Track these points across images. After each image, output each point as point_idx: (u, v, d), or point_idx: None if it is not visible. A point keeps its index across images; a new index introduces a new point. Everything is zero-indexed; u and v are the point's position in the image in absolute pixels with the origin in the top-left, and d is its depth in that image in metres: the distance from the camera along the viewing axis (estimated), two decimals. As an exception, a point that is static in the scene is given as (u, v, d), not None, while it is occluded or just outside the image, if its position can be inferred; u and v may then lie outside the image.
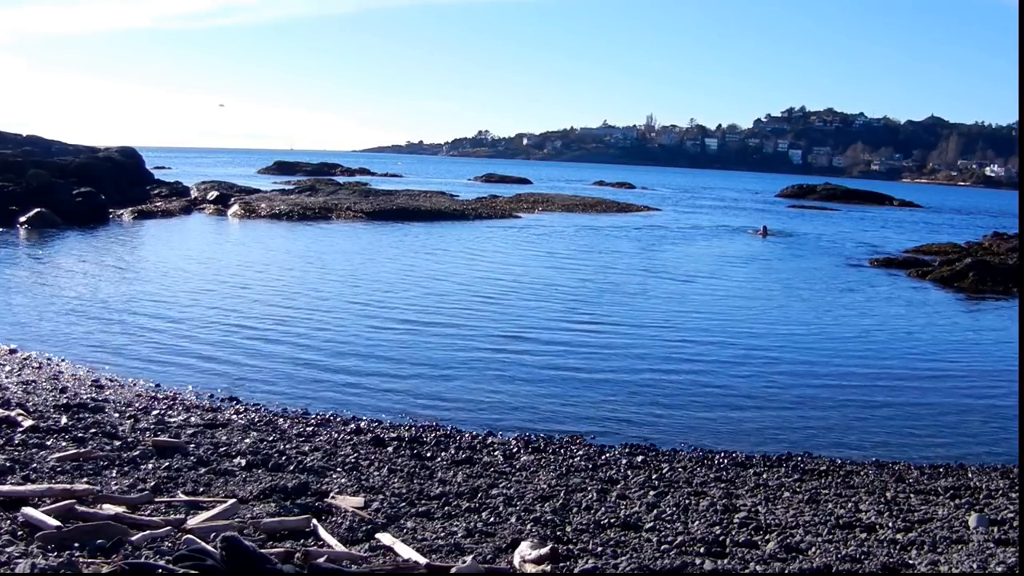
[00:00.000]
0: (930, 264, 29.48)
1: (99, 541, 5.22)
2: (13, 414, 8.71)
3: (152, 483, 7.14)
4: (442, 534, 6.52)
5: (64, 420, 8.90)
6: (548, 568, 5.72)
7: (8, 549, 4.98)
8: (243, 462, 8.07)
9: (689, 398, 12.03)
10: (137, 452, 7.99)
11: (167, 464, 7.74)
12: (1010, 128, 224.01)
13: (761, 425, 11.01)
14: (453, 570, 5.42)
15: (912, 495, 8.48)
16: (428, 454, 9.08)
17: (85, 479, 6.98)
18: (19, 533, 5.43)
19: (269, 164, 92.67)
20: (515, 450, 9.48)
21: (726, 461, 9.44)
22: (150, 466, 7.65)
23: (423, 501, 7.42)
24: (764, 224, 42.13)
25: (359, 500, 7.17)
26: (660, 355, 14.49)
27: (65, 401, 9.80)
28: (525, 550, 5.97)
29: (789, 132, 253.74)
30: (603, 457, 9.37)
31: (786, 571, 6.08)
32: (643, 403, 11.70)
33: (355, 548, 6.01)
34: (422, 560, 5.65)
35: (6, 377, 10.87)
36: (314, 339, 14.61)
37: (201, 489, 7.18)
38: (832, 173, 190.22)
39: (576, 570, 5.75)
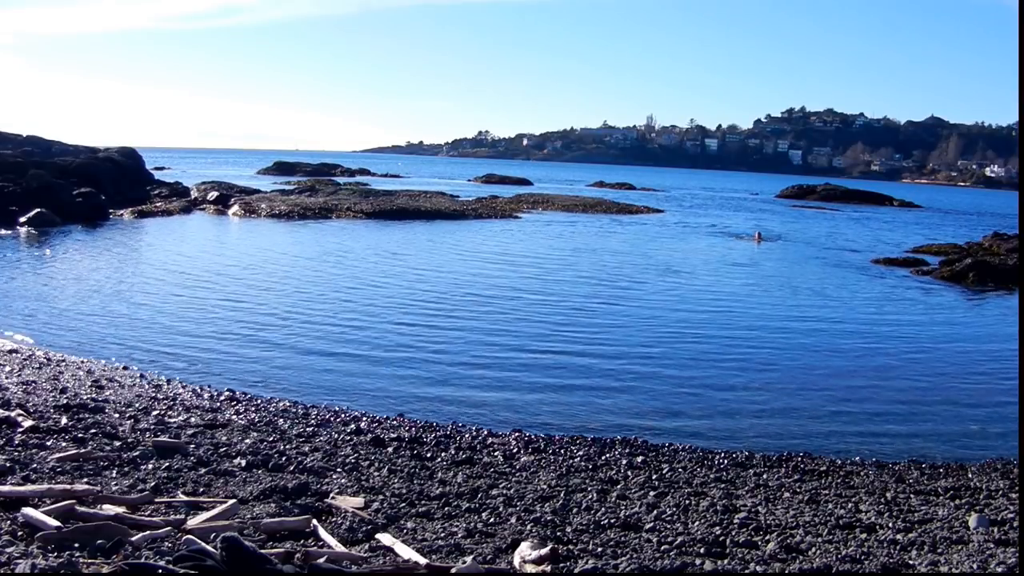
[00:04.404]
0: (930, 264, 29.50)
1: (99, 541, 5.21)
2: (13, 414, 8.71)
3: (152, 483, 7.13)
4: (442, 534, 6.51)
5: (64, 420, 8.89)
6: (548, 568, 5.72)
7: (8, 549, 4.97)
8: (243, 462, 8.06)
9: (689, 398, 12.03)
10: (137, 452, 7.98)
11: (167, 464, 7.73)
12: (1010, 128, 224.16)
13: (761, 425, 11.01)
14: (453, 570, 5.41)
15: (912, 495, 8.47)
16: (428, 454, 9.08)
17: (85, 479, 6.98)
18: (19, 533, 5.42)
19: (269, 165, 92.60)
20: (515, 450, 9.48)
21: (726, 461, 9.44)
22: (150, 466, 7.65)
23: (423, 501, 7.41)
24: (758, 231, 41.33)
25: (359, 500, 7.16)
26: (660, 356, 14.49)
27: (65, 401, 9.79)
28: (525, 550, 5.97)
29: (789, 132, 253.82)
30: (603, 457, 9.37)
31: (786, 571, 6.07)
32: (643, 403, 11.70)
33: (355, 548, 6.00)
34: (422, 560, 5.65)
35: (6, 377, 10.87)
36: (314, 339, 14.61)
37: (201, 489, 7.17)
38: (832, 173, 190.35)
39: (576, 570, 5.75)
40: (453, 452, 9.24)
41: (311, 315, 16.75)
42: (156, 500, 6.67)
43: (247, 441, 8.90)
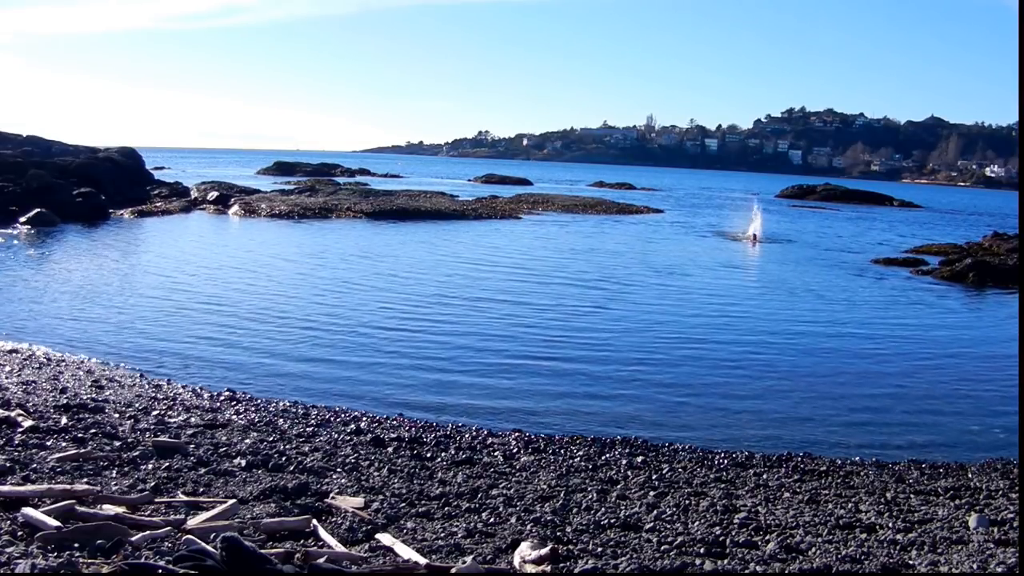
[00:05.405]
0: (930, 264, 29.50)
1: (99, 541, 5.21)
2: (13, 414, 8.70)
3: (152, 483, 7.13)
4: (442, 534, 6.51)
5: (64, 420, 8.89)
6: (548, 568, 5.71)
7: (8, 549, 4.97)
8: (243, 462, 8.06)
9: (689, 399, 12.02)
10: (137, 452, 7.98)
11: (167, 464, 7.73)
12: (1010, 128, 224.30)
13: (761, 425, 11.00)
14: (453, 570, 5.41)
15: (912, 495, 8.47)
16: (428, 454, 9.08)
17: (85, 479, 6.97)
18: (19, 533, 5.42)
19: (269, 165, 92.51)
20: (515, 450, 9.47)
21: (726, 461, 9.43)
22: (150, 466, 7.65)
23: (423, 501, 7.41)
24: (754, 232, 40.77)
25: (359, 500, 7.16)
26: (659, 356, 14.49)
27: (65, 401, 9.79)
28: (525, 550, 5.96)
29: (789, 132, 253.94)
30: (603, 457, 9.36)
31: (786, 571, 6.07)
32: (643, 404, 11.69)
33: (355, 548, 6.00)
34: (422, 560, 5.65)
35: (6, 377, 10.86)
36: (315, 339, 14.61)
37: (201, 489, 7.17)
38: (832, 173, 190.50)
39: (576, 570, 5.75)
40: (453, 452, 9.23)
41: (311, 315, 16.74)
42: (156, 500, 6.67)
43: (247, 441, 8.90)
